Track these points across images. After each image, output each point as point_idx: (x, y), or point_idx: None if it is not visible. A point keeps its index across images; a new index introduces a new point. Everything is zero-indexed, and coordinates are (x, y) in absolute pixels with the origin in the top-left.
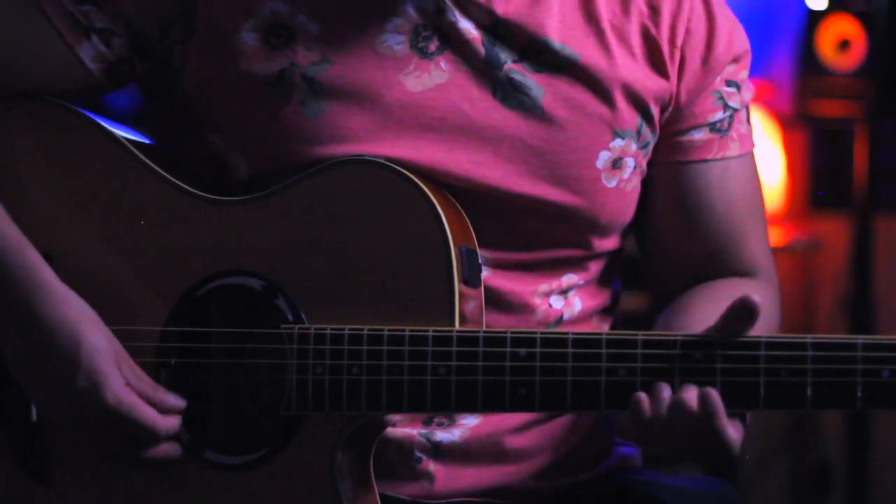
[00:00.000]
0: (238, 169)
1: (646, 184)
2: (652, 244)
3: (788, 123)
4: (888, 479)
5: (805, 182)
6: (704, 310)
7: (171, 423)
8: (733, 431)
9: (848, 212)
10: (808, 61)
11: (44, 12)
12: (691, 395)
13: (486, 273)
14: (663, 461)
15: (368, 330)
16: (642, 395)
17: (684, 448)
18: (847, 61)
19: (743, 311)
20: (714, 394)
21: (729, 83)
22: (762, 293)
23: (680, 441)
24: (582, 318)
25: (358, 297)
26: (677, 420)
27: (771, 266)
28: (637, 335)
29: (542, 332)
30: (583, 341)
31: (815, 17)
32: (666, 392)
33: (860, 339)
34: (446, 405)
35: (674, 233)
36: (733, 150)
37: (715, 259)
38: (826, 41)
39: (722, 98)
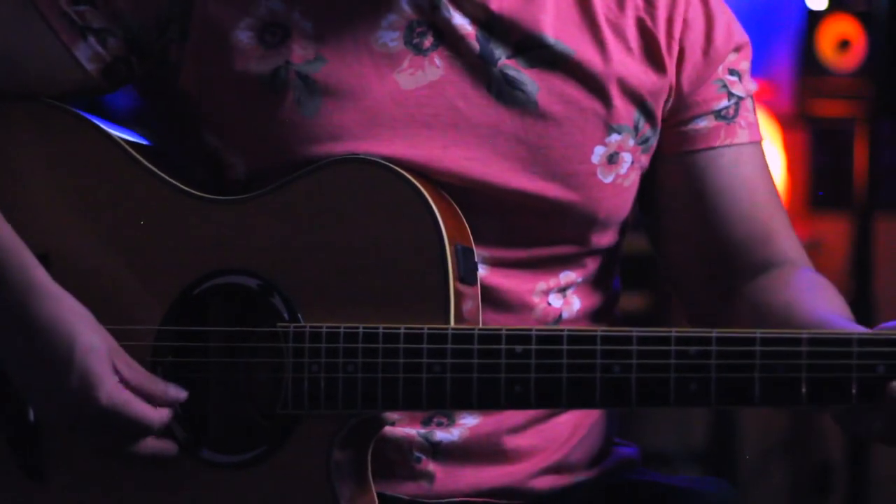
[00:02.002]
0: (235, 168)
1: (659, 179)
2: (671, 241)
3: (788, 123)
4: (888, 480)
5: (805, 182)
6: (816, 304)
7: (167, 417)
8: None
9: (848, 212)
10: (808, 61)
11: (40, 12)
12: None
13: (483, 272)
14: (664, 461)
15: (364, 328)
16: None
17: None
18: (847, 61)
19: None
20: None
21: (731, 72)
22: (830, 284)
23: None
24: (581, 317)
25: (353, 296)
26: None
27: (804, 253)
28: (632, 332)
29: (537, 330)
30: (578, 338)
31: (815, 17)
32: None
33: (855, 334)
34: (441, 402)
35: (695, 225)
36: (742, 136)
37: (746, 247)
38: (826, 41)
39: (725, 86)
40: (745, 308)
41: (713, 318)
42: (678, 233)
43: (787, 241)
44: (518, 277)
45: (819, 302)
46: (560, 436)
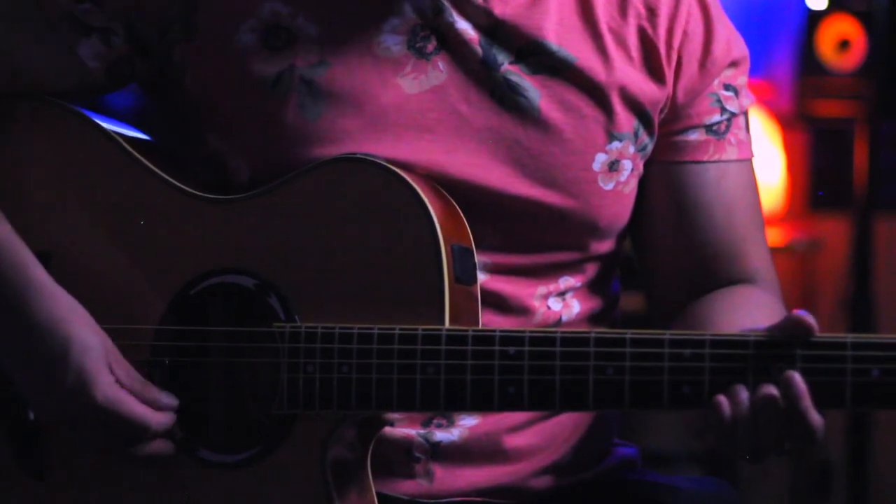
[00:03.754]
0: (239, 171)
1: (642, 184)
2: (648, 246)
3: (788, 123)
4: (888, 480)
5: (805, 182)
6: (732, 318)
7: (163, 419)
8: (816, 416)
9: (848, 212)
10: (808, 61)
11: (43, 11)
12: (771, 388)
13: (484, 277)
14: (663, 461)
15: (358, 329)
16: (721, 398)
17: (770, 442)
18: (847, 61)
19: (798, 329)
20: (796, 377)
21: (727, 87)
22: (772, 302)
23: (765, 436)
24: (580, 320)
25: (350, 296)
26: (762, 415)
27: (774, 274)
28: (625, 334)
29: (530, 331)
30: (571, 340)
31: (815, 17)
32: (744, 393)
33: (850, 337)
34: (435, 404)
35: (671, 234)
36: (730, 153)
37: (716, 262)
38: (826, 41)
39: (719, 101)
40: (678, 318)
41: (671, 323)
42: (655, 237)
43: (753, 260)
44: (518, 282)
45: (734, 318)
46: (560, 435)
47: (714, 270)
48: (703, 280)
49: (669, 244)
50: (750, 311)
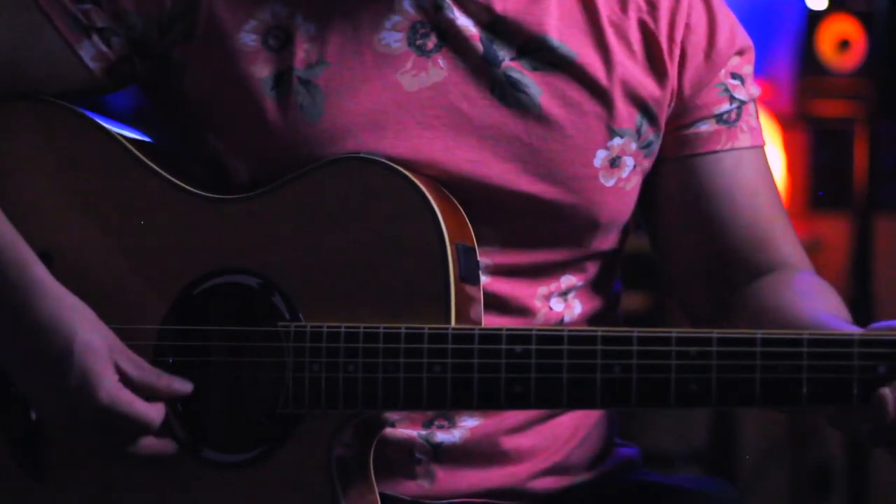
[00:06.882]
0: (239, 172)
1: (659, 184)
2: (672, 246)
3: (788, 123)
4: (888, 479)
5: (805, 182)
6: (810, 305)
7: (163, 412)
8: None
9: (848, 212)
10: (808, 61)
11: (44, 11)
12: None
13: (486, 279)
14: (664, 462)
15: (364, 328)
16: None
17: None
18: (847, 61)
19: None
20: None
21: (734, 76)
22: (826, 287)
23: None
24: (582, 320)
25: (354, 295)
26: None
27: (806, 258)
28: (633, 332)
29: (537, 330)
30: (578, 338)
31: (815, 17)
32: None
33: (856, 335)
34: (442, 403)
35: (694, 230)
36: (744, 140)
37: (744, 250)
38: (826, 41)
39: (727, 90)
40: (741, 311)
41: (711, 320)
42: (678, 235)
43: (787, 245)
44: (519, 283)
45: (815, 304)
46: (560, 436)
47: (742, 259)
48: (733, 271)
49: (693, 239)
50: (824, 298)
